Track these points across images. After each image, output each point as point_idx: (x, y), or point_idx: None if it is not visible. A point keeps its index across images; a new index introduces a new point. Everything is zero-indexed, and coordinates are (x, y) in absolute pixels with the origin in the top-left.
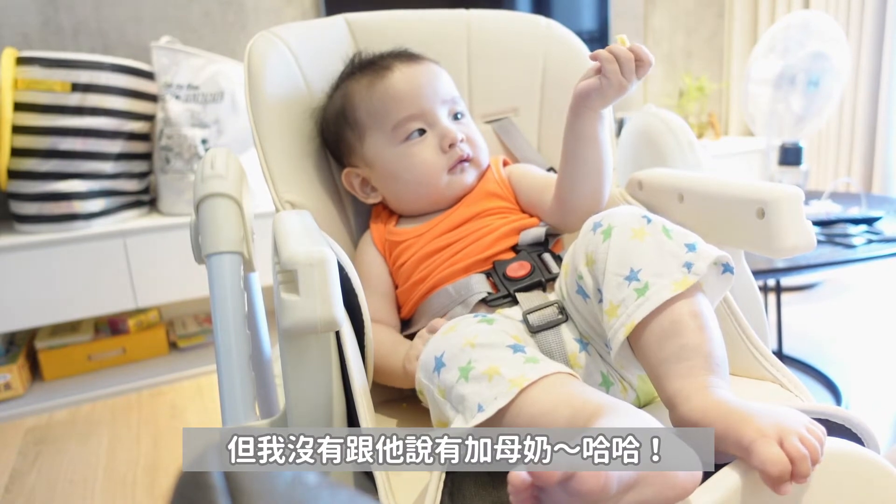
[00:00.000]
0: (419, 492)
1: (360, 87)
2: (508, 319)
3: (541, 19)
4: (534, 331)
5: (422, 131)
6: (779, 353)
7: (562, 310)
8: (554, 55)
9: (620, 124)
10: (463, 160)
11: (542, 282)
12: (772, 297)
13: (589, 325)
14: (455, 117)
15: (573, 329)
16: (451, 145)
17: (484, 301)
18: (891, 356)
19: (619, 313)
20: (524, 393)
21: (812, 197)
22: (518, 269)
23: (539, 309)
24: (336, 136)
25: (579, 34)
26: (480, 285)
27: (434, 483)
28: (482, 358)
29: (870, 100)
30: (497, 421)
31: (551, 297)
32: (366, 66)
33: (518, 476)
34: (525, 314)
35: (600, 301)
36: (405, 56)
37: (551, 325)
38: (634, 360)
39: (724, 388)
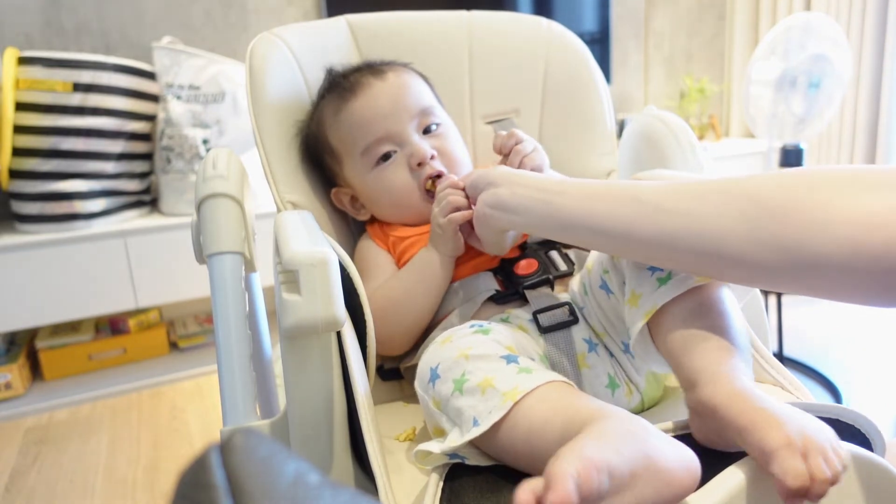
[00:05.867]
0: (419, 492)
1: (329, 114)
2: (507, 326)
3: (542, 20)
4: (543, 331)
5: (392, 152)
6: (779, 355)
7: (572, 311)
8: (555, 56)
9: (622, 126)
10: (433, 178)
11: (550, 279)
12: (772, 298)
13: (609, 320)
14: (428, 130)
15: (583, 329)
16: (420, 164)
17: (492, 299)
18: (891, 358)
19: (640, 303)
20: (518, 405)
21: None
22: (525, 266)
23: (550, 309)
24: (319, 160)
25: (580, 35)
26: (488, 283)
27: (431, 490)
28: (476, 370)
29: (871, 102)
30: (493, 433)
31: (561, 296)
32: (333, 87)
33: (525, 499)
34: (535, 314)
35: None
36: (370, 72)
37: (561, 326)
38: (653, 351)
39: (748, 376)
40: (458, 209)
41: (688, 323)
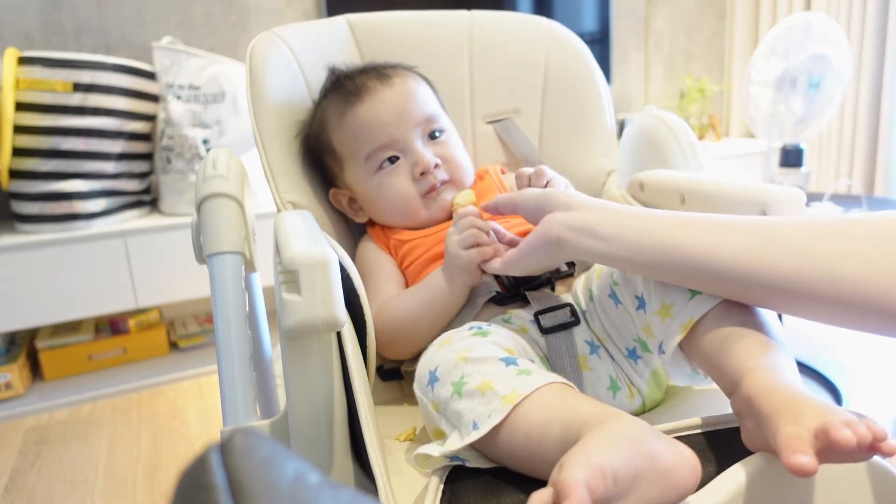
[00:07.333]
0: (419, 492)
1: (333, 116)
2: (507, 327)
3: (542, 20)
4: (545, 332)
5: (395, 158)
6: None
7: (573, 312)
8: (555, 56)
9: (622, 126)
10: (435, 187)
11: (551, 279)
12: None
13: (614, 327)
14: (432, 136)
15: (585, 331)
16: (423, 173)
17: (493, 300)
18: (891, 358)
19: (674, 314)
20: (517, 408)
21: (813, 199)
22: None
23: (551, 310)
24: (319, 160)
25: (580, 35)
26: (488, 284)
27: (432, 493)
28: (475, 373)
29: (871, 101)
30: (493, 436)
31: (563, 297)
32: (337, 88)
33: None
34: (536, 314)
35: (638, 308)
36: (375, 76)
37: (563, 327)
38: (684, 362)
39: (790, 368)
40: (478, 244)
41: (721, 325)
